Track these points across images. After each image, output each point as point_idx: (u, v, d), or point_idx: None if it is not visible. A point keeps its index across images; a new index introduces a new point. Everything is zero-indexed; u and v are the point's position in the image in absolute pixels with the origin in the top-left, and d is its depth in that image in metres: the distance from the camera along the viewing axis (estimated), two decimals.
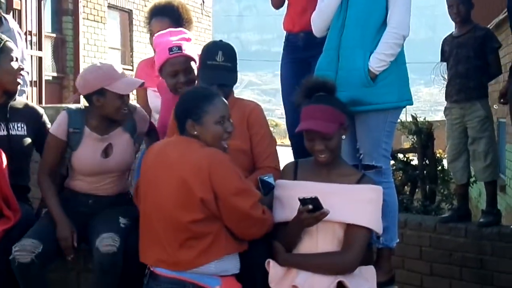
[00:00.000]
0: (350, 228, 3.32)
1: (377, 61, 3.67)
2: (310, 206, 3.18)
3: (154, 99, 4.59)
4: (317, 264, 3.31)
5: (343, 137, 3.43)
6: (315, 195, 3.18)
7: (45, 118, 4.19)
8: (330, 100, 3.42)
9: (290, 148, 4.55)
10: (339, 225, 3.32)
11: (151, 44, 4.55)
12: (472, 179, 6.52)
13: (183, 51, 3.93)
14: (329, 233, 3.33)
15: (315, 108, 3.38)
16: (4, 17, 5.16)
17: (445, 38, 5.79)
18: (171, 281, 3.22)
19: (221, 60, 3.67)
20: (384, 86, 3.70)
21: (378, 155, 3.79)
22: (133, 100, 4.31)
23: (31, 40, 11.03)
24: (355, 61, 3.73)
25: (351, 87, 3.66)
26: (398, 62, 3.76)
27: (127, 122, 3.89)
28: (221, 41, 3.87)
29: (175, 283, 3.22)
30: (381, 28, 3.75)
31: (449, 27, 5.98)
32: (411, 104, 3.91)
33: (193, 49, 4.05)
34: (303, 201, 3.19)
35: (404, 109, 4.04)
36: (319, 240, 3.34)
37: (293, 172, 3.56)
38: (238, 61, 3.89)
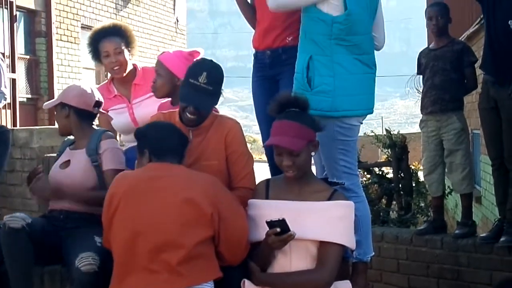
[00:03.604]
0: (323, 246, 3.33)
1: None
2: (278, 229, 3.19)
3: (117, 117, 4.66)
4: (292, 282, 3.33)
5: (313, 153, 3.44)
6: (282, 217, 3.20)
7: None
8: (300, 117, 3.41)
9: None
10: (311, 242, 3.33)
11: (105, 66, 4.74)
12: (447, 191, 6.56)
13: None
14: (302, 251, 3.34)
15: (284, 124, 3.40)
16: None
17: (422, 51, 5.84)
18: None
19: (203, 82, 3.62)
20: (318, 93, 3.69)
21: (338, 172, 3.79)
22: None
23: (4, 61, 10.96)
24: (298, 64, 3.79)
25: (295, 89, 3.76)
26: (343, 72, 3.75)
27: (90, 146, 4.07)
28: (211, 61, 3.80)
29: None
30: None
31: (423, 41, 6.04)
32: (350, 115, 3.82)
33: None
34: (270, 224, 3.22)
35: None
36: (293, 258, 3.35)
37: (265, 191, 3.56)
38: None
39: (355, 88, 3.79)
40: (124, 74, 4.68)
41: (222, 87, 3.81)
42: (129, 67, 4.73)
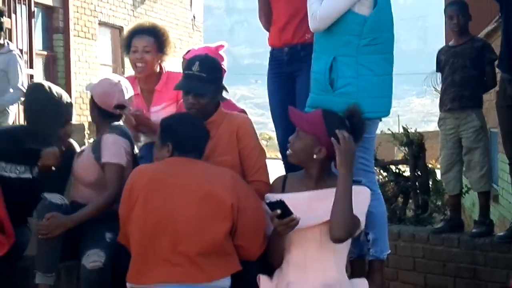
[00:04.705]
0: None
1: None
2: (278, 211, 3.17)
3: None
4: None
5: (315, 156, 3.42)
6: (280, 198, 3.20)
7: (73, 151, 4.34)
8: (330, 118, 3.45)
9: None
10: (324, 229, 3.31)
11: (130, 61, 4.65)
12: (464, 189, 6.53)
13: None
14: (317, 241, 3.33)
15: (316, 111, 3.51)
16: (7, 41, 5.82)
17: (441, 48, 5.81)
18: None
19: (196, 70, 3.68)
20: (341, 94, 3.68)
21: (356, 169, 3.76)
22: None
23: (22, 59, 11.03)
24: (318, 64, 3.77)
25: (314, 89, 3.77)
26: (367, 74, 3.73)
27: (96, 141, 4.11)
28: (206, 54, 3.93)
29: None
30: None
31: (440, 38, 5.98)
32: (373, 117, 3.81)
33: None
34: (271, 206, 3.21)
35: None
36: (308, 249, 3.35)
37: (282, 185, 3.57)
38: (225, 75, 3.93)
39: (378, 90, 3.77)
40: (146, 75, 4.60)
41: (224, 80, 3.91)
42: (156, 70, 4.65)
